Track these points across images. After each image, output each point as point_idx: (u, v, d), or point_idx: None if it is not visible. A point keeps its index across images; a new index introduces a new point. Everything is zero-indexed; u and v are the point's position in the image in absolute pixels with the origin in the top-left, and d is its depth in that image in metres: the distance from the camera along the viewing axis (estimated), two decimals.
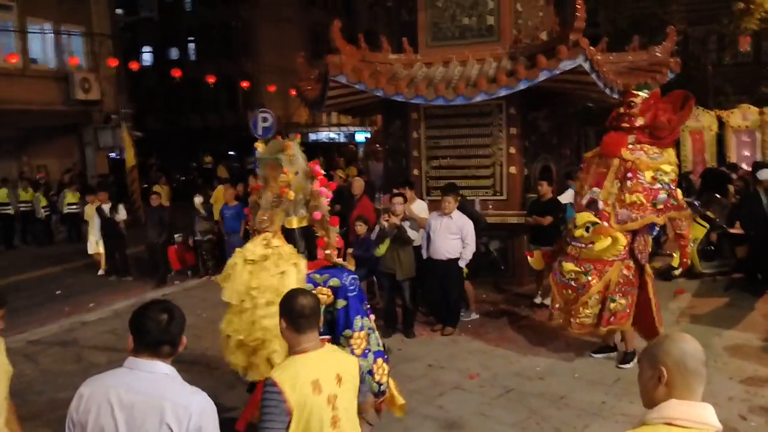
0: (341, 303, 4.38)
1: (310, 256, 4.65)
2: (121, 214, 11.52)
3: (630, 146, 6.42)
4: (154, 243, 10.89)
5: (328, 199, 4.82)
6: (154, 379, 2.29)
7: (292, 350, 2.76)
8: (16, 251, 15.40)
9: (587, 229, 6.28)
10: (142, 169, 20.46)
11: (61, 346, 8.09)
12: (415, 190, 9.08)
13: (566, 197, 8.60)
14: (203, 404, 2.30)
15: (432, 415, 5.50)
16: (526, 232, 9.07)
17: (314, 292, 4.24)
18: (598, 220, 6.27)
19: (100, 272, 11.92)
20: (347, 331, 4.37)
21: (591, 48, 7.85)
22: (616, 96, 8.26)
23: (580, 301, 6.35)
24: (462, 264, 7.49)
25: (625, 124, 6.55)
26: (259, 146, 4.88)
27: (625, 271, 6.32)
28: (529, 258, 7.65)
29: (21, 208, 15.59)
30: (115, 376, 2.36)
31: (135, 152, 18.80)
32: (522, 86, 8.10)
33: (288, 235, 4.63)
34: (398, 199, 7.64)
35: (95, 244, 11.86)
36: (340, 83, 8.54)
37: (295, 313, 2.70)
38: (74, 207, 15.21)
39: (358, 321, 4.38)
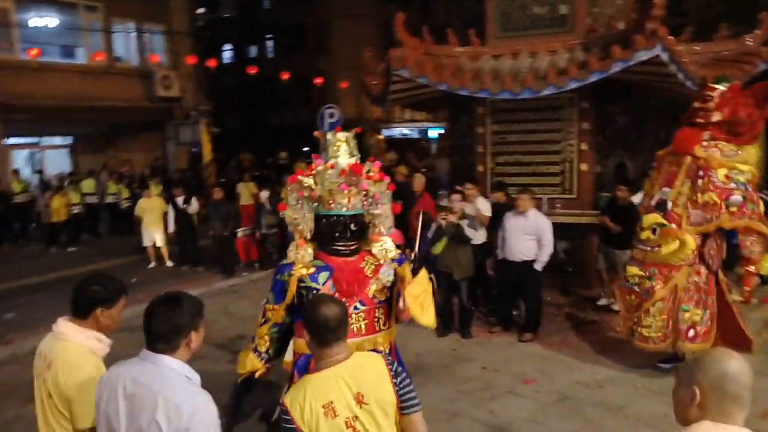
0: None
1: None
2: (194, 206, 11.81)
3: (704, 143, 5.95)
4: (220, 235, 11.09)
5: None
6: (157, 373, 2.24)
7: (315, 364, 2.52)
8: (100, 240, 16.04)
9: (654, 231, 5.87)
10: (221, 166, 20.97)
11: (129, 331, 8.27)
12: (480, 187, 8.81)
13: (639, 197, 8.09)
14: (198, 406, 2.18)
15: (481, 419, 5.27)
16: (596, 233, 8.64)
17: None
18: (666, 222, 5.83)
19: (152, 265, 12.18)
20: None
21: (670, 37, 7.33)
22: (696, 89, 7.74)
23: (643, 307, 5.94)
24: (538, 267, 7.18)
25: (699, 120, 6.07)
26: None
27: (695, 278, 5.86)
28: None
29: (107, 200, 16.24)
30: (128, 365, 2.34)
31: (212, 148, 19.31)
32: (593, 78, 7.67)
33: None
34: (456, 197, 7.41)
35: (151, 238, 12.14)
36: (402, 77, 8.36)
37: (320, 327, 2.43)
38: (128, 201, 15.58)
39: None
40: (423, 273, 3.92)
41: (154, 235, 12.08)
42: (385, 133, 33.22)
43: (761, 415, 4.91)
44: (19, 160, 22.08)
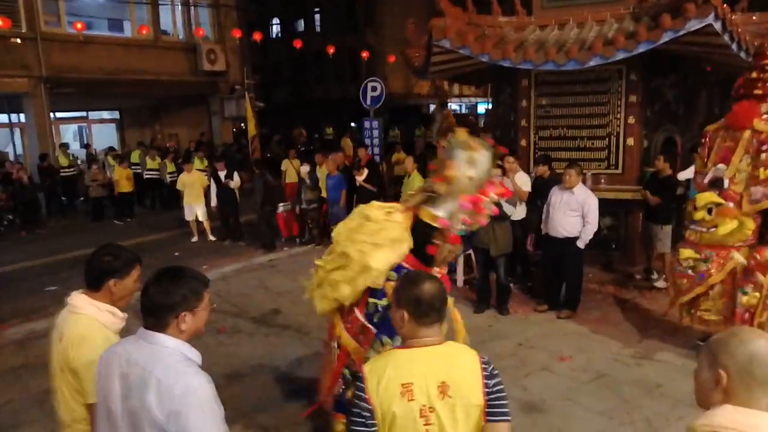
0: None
1: (417, 251, 3.90)
2: (235, 181, 11.89)
3: (764, 116, 5.63)
4: (263, 210, 11.17)
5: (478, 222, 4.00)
6: (151, 352, 2.13)
7: (403, 343, 2.32)
8: (146, 214, 16.36)
9: (709, 211, 5.58)
10: (266, 141, 21.03)
11: None
12: (522, 162, 8.62)
13: (687, 173, 7.79)
14: (191, 388, 2.04)
15: (514, 396, 5.16)
16: (641, 209, 8.39)
17: (391, 283, 3.73)
18: (723, 201, 5.53)
19: (194, 239, 12.30)
20: (386, 338, 3.69)
21: (725, 5, 6.96)
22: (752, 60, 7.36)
23: (694, 291, 5.69)
24: (581, 244, 6.97)
25: (757, 91, 5.74)
26: (461, 134, 4.11)
27: (758, 257, 5.55)
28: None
29: (146, 175, 16.45)
30: (126, 343, 2.26)
31: (257, 123, 19.39)
32: (641, 49, 7.34)
33: (417, 222, 3.95)
34: (497, 171, 7.23)
35: (192, 212, 12.27)
36: (444, 48, 8.18)
37: (425, 305, 2.20)
38: (173, 175, 15.57)
39: (399, 339, 3.81)
40: None
41: (196, 210, 12.22)
42: (432, 108, 32.89)
43: None
44: (68, 134, 22.72)
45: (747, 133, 5.62)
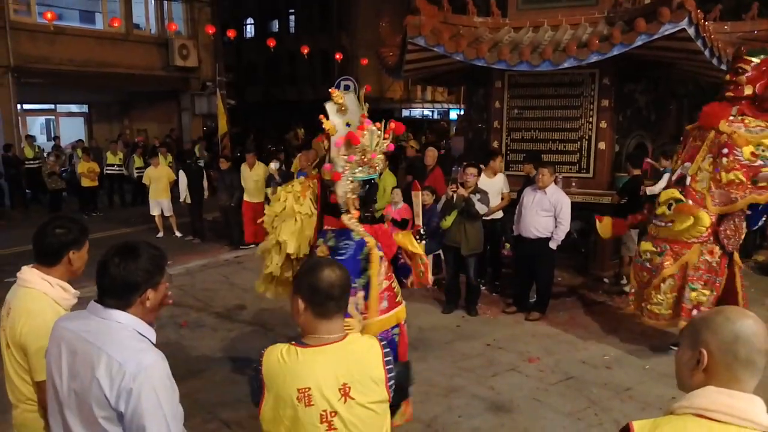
0: None
1: (328, 208, 4.31)
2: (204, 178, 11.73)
3: (731, 118, 5.66)
4: (226, 206, 10.97)
5: (388, 149, 4.38)
6: (103, 327, 1.99)
7: (303, 336, 2.10)
8: (112, 209, 15.95)
9: (669, 207, 5.63)
10: (238, 139, 20.72)
11: None
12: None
13: (656, 188, 7.77)
14: (145, 365, 1.91)
15: (481, 395, 5.09)
16: (611, 214, 8.37)
17: (320, 248, 4.11)
18: (683, 198, 5.58)
19: (160, 235, 12.04)
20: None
21: (698, 11, 7.01)
22: (725, 68, 7.42)
23: (652, 284, 5.72)
24: (553, 245, 6.92)
25: (729, 93, 5.80)
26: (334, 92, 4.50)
27: (707, 257, 5.61)
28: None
29: (107, 171, 15.95)
30: (74, 318, 2.12)
31: (228, 120, 19.11)
32: (616, 51, 7.33)
33: (323, 186, 4.35)
34: (472, 170, 7.15)
35: (158, 207, 12.05)
36: (418, 46, 8.08)
37: (322, 293, 2.02)
38: (141, 171, 15.07)
39: None
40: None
41: (162, 205, 11.97)
42: (405, 113, 32.93)
43: None
44: (35, 127, 22.19)
45: (712, 134, 5.67)
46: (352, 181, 4.11)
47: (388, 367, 2.09)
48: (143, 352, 1.96)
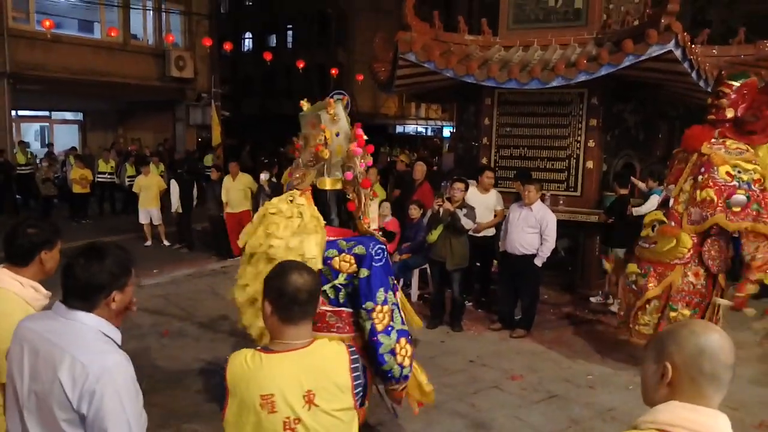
0: (364, 272, 3.92)
1: (340, 220, 4.34)
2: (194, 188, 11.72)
3: (713, 140, 5.71)
4: (215, 216, 10.96)
5: (367, 164, 4.45)
6: (67, 329, 1.97)
7: (270, 341, 2.09)
8: (102, 217, 15.86)
9: (653, 228, 5.66)
10: (233, 151, 20.72)
11: None
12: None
13: (643, 209, 7.79)
14: (109, 367, 1.88)
15: (461, 412, 5.06)
16: (598, 233, 8.40)
17: (337, 259, 4.00)
18: (665, 219, 5.62)
19: (148, 243, 12.02)
20: (368, 303, 3.89)
21: (685, 33, 7.08)
22: (710, 90, 7.49)
23: (637, 305, 5.73)
24: (538, 262, 6.91)
25: (711, 117, 5.84)
26: (304, 104, 4.59)
27: (691, 278, 5.62)
28: (604, 262, 7.05)
29: (97, 178, 15.89)
30: (38, 319, 2.10)
31: (222, 131, 19.12)
32: (603, 71, 7.41)
33: (319, 196, 4.33)
34: (459, 185, 7.16)
35: (147, 215, 12.04)
36: (409, 61, 8.15)
37: (287, 297, 1.99)
38: (133, 179, 14.90)
39: (381, 294, 3.90)
40: None
41: (151, 213, 11.95)
42: (399, 129, 33.08)
43: (757, 425, 4.68)
44: (30, 133, 22.16)
45: (695, 156, 5.72)
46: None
47: (355, 374, 2.07)
48: (107, 353, 1.94)
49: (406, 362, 3.97)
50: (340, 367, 2.06)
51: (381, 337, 3.90)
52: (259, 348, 2.08)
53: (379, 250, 4.02)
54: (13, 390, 2.03)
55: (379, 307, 3.92)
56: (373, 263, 3.94)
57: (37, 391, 1.94)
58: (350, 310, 4.05)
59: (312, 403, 1.98)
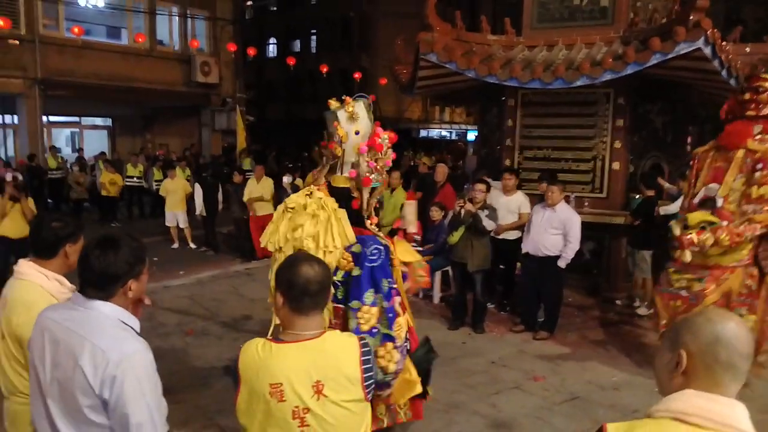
0: (356, 271, 3.91)
1: (351, 218, 4.30)
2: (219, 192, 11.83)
3: (757, 136, 5.55)
4: (239, 218, 11.02)
5: (385, 164, 4.39)
6: (86, 318, 2.01)
7: (282, 331, 2.10)
8: (131, 220, 16.05)
9: (703, 230, 5.45)
10: (258, 156, 20.86)
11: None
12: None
13: (671, 208, 7.61)
14: (128, 353, 1.92)
15: (482, 413, 4.99)
16: (624, 235, 8.26)
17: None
18: (716, 219, 5.40)
19: (175, 246, 12.13)
20: (355, 302, 3.85)
21: (715, 30, 6.93)
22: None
23: (692, 312, 5.52)
24: (562, 264, 6.79)
25: (750, 112, 5.67)
26: (332, 103, 4.55)
27: (748, 280, 5.42)
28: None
29: (127, 183, 16.09)
30: (58, 309, 2.14)
31: (247, 136, 19.30)
32: (630, 70, 7.28)
33: (332, 193, 4.30)
34: (480, 186, 7.09)
35: (173, 219, 12.15)
36: (430, 62, 8.11)
37: (298, 289, 2.01)
38: (160, 183, 15.06)
39: (369, 295, 3.87)
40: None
41: (177, 216, 12.08)
42: (423, 133, 33.01)
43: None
44: (61, 139, 22.61)
45: (740, 153, 5.54)
46: (374, 188, 4.20)
47: (365, 366, 2.06)
48: (127, 340, 1.97)
49: (391, 368, 3.83)
50: (350, 359, 2.05)
51: (367, 337, 3.84)
52: (270, 338, 2.10)
53: (375, 251, 3.97)
54: (36, 378, 2.07)
55: (366, 308, 3.87)
56: (366, 263, 3.90)
57: (60, 379, 1.98)
58: (342, 307, 3.99)
59: (321, 394, 1.98)
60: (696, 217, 5.56)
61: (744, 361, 1.50)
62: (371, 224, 4.18)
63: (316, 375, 1.98)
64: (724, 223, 5.41)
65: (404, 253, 4.32)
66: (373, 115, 4.31)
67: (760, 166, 5.38)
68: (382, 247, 3.98)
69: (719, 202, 5.54)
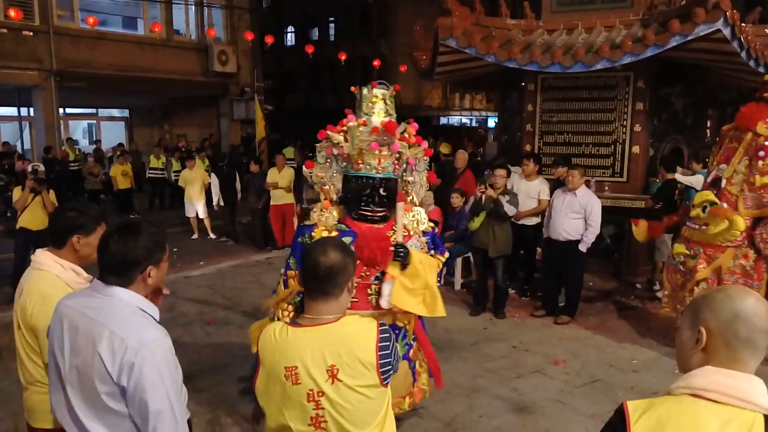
0: None
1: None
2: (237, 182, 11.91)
3: None
4: (255, 208, 11.11)
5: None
6: (105, 304, 2.01)
7: (301, 315, 2.15)
8: (151, 211, 16.21)
9: (704, 209, 5.49)
10: (277, 145, 20.88)
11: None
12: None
13: (689, 179, 7.60)
14: (147, 340, 1.91)
15: (503, 396, 5.03)
16: (645, 219, 8.20)
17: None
18: (717, 200, 5.44)
19: (194, 236, 12.23)
20: None
21: (734, 12, 6.84)
22: (762, 70, 7.23)
23: (686, 287, 5.59)
24: (582, 248, 6.78)
25: (767, 94, 5.64)
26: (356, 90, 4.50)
27: (742, 261, 5.48)
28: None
29: (149, 174, 16.33)
30: (77, 296, 2.15)
31: (266, 125, 19.33)
32: (649, 53, 7.22)
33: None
34: (501, 172, 7.09)
35: (193, 209, 12.23)
36: (449, 47, 8.09)
37: (306, 271, 2.07)
38: (178, 173, 15.07)
39: None
40: (415, 264, 3.82)
41: (196, 207, 12.15)
42: (443, 120, 32.85)
43: None
44: (78, 131, 22.79)
45: (749, 135, 5.55)
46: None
47: (382, 352, 2.04)
48: (145, 327, 1.97)
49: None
50: (366, 344, 2.04)
51: None
52: (288, 321, 2.13)
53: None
54: (55, 365, 2.08)
55: None
56: None
57: (78, 366, 1.98)
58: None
59: (335, 378, 2.00)
60: (702, 195, 5.72)
61: (764, 337, 1.51)
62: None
63: (330, 359, 2.00)
64: (724, 204, 5.49)
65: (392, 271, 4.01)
66: (395, 105, 4.24)
67: (762, 153, 5.36)
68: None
69: (723, 183, 5.57)
